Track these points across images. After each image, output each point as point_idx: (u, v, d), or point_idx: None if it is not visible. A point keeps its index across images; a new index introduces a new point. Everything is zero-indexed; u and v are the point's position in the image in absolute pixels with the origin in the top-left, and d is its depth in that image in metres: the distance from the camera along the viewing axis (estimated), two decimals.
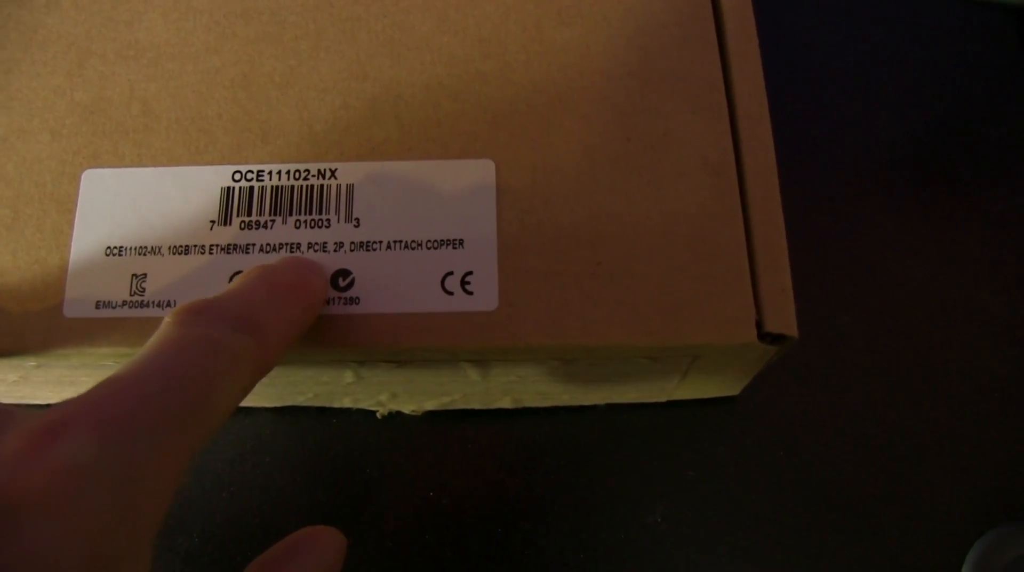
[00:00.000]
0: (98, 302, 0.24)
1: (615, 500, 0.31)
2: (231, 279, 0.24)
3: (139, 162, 0.26)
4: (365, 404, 0.31)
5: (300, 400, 0.31)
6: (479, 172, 0.25)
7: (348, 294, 0.24)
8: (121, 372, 0.18)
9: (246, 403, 0.27)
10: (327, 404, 0.32)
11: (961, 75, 0.38)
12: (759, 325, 0.24)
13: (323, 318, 0.24)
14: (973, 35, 0.39)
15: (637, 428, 0.32)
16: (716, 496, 0.31)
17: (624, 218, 0.25)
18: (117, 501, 0.17)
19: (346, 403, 0.31)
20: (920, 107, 0.38)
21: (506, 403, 0.31)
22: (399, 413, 0.32)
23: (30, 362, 0.25)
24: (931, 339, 0.34)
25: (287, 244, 0.25)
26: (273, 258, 0.25)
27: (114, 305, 0.24)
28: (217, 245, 0.25)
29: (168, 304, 0.24)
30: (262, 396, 0.31)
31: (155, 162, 0.26)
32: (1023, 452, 0.32)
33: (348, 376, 0.27)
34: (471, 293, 0.24)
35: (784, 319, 0.24)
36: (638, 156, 0.26)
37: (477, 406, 0.32)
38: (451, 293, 0.24)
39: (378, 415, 0.32)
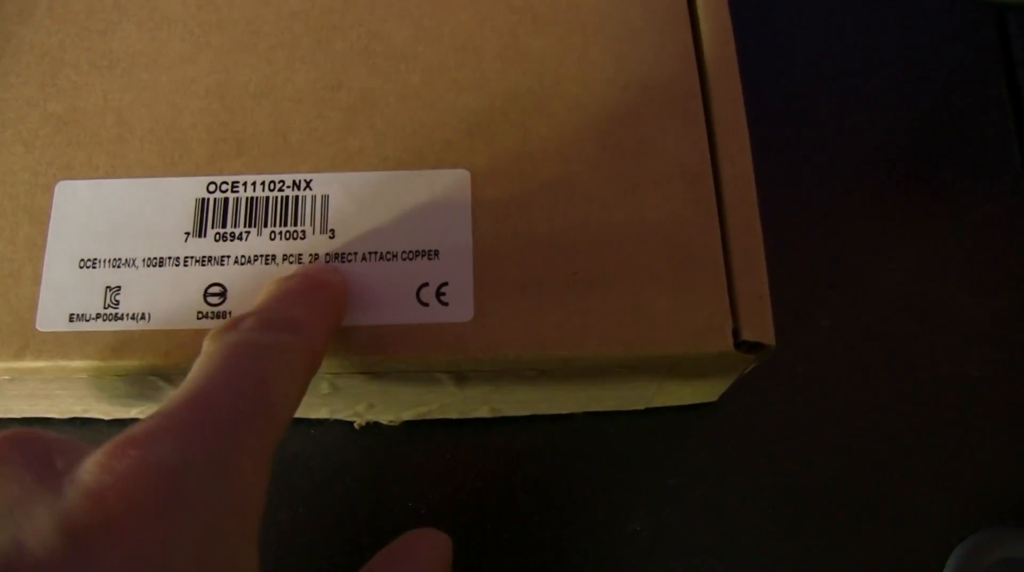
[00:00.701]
0: (72, 315, 0.24)
1: (595, 509, 0.31)
2: (206, 292, 0.24)
3: (113, 173, 0.26)
4: (343, 414, 0.31)
5: None
6: (454, 182, 0.25)
7: None
8: (179, 391, 0.19)
9: None
10: (304, 415, 0.31)
11: (942, 77, 0.38)
12: (736, 333, 0.24)
13: None
14: (954, 36, 0.39)
15: (617, 436, 0.32)
16: (697, 504, 0.31)
17: (600, 227, 0.25)
18: (212, 501, 0.17)
19: (323, 414, 0.31)
20: (900, 109, 0.38)
21: (484, 412, 0.31)
22: (377, 423, 0.32)
23: (3, 376, 0.25)
24: (912, 343, 0.34)
25: (262, 256, 0.25)
26: (248, 270, 0.24)
27: (88, 318, 0.24)
28: (192, 257, 0.25)
29: (143, 317, 0.24)
30: None
31: (129, 173, 0.26)
32: (1004, 456, 0.32)
33: (324, 387, 0.27)
34: (446, 304, 0.24)
35: (761, 327, 0.24)
36: (614, 164, 0.26)
37: (455, 416, 0.31)
38: (426, 304, 0.24)
39: (356, 425, 0.32)
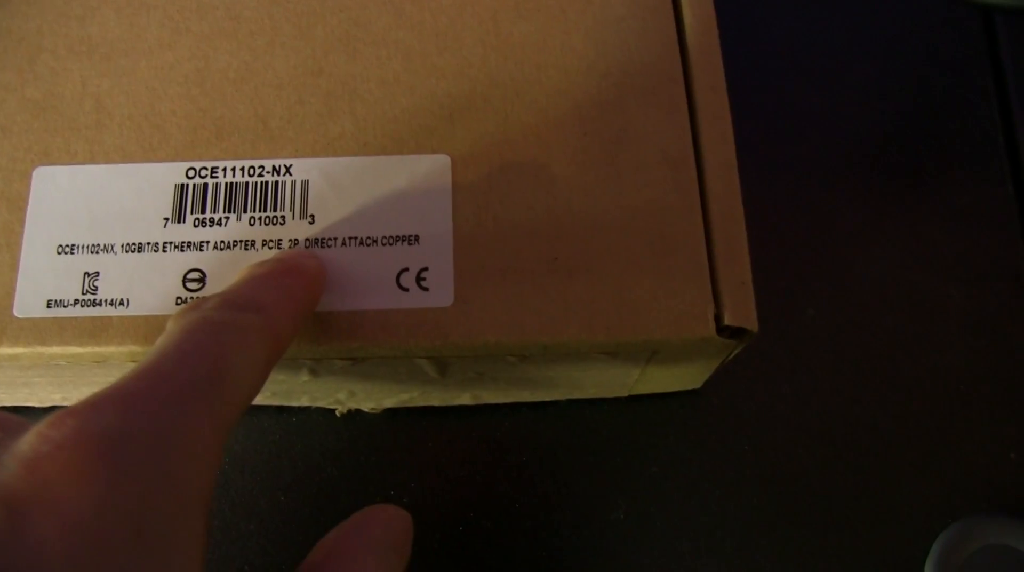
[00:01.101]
0: (49, 301, 0.24)
1: (578, 497, 0.31)
2: (184, 277, 0.24)
3: (91, 159, 0.25)
4: (323, 402, 0.31)
5: (257, 399, 0.31)
6: (435, 167, 0.25)
7: None
8: (133, 368, 0.19)
9: None
10: (285, 402, 0.31)
11: (926, 69, 0.38)
12: (718, 319, 0.24)
13: None
14: (938, 28, 0.39)
15: (599, 424, 0.32)
16: (679, 492, 0.31)
17: (581, 213, 0.25)
18: (153, 467, 0.17)
19: (304, 401, 0.31)
20: (885, 100, 0.38)
21: (466, 400, 0.31)
22: (359, 411, 0.32)
23: None
24: (895, 332, 0.34)
25: (242, 241, 0.24)
26: (227, 255, 0.24)
27: (66, 304, 0.24)
28: (171, 242, 0.24)
29: (121, 302, 0.24)
30: None
31: (108, 159, 0.25)
32: (986, 445, 0.32)
33: (304, 375, 0.27)
34: (427, 289, 0.24)
35: (744, 313, 0.24)
36: (595, 151, 0.25)
37: (437, 403, 0.31)
38: (406, 289, 0.24)
39: (337, 413, 0.32)
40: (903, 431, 0.32)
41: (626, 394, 0.32)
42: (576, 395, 0.32)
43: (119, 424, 0.17)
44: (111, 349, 0.24)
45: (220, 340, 0.19)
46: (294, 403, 0.31)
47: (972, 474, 0.32)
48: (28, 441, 0.16)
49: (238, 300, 0.21)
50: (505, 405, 0.32)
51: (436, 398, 0.31)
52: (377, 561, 0.21)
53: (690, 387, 0.32)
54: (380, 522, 0.22)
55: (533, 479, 0.31)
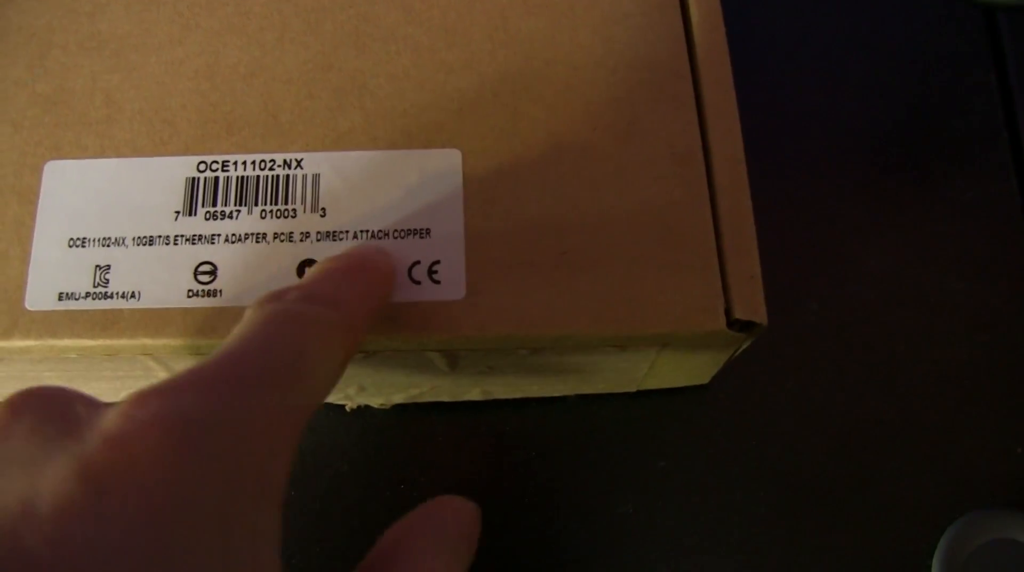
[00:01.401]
0: (61, 294, 0.24)
1: (586, 491, 0.31)
2: (196, 270, 0.24)
3: (102, 153, 0.25)
4: (334, 397, 0.31)
5: None
6: (445, 162, 0.25)
7: None
8: (214, 351, 0.19)
9: None
10: None
11: (929, 65, 0.39)
12: (728, 312, 0.24)
13: None
14: (940, 25, 0.39)
15: (607, 419, 0.32)
16: (687, 486, 0.31)
17: (590, 207, 0.25)
18: (235, 453, 0.17)
19: None
20: (889, 97, 0.38)
21: (475, 395, 0.31)
22: (368, 407, 0.32)
23: None
24: (900, 327, 0.34)
25: (253, 234, 0.24)
26: (239, 248, 0.24)
27: (77, 297, 0.24)
28: (182, 236, 0.25)
29: (132, 295, 0.24)
30: None
31: (118, 153, 0.25)
32: (992, 439, 0.32)
33: None
34: (438, 282, 0.24)
35: (753, 306, 0.24)
36: (604, 146, 0.26)
37: (446, 398, 0.31)
38: (418, 282, 0.24)
39: (347, 408, 0.32)
40: (909, 426, 0.33)
41: (635, 389, 0.32)
42: (585, 390, 0.32)
43: (203, 408, 0.17)
44: (122, 342, 0.24)
45: (301, 334, 0.19)
46: None
47: (978, 468, 0.32)
48: (111, 419, 0.16)
49: (318, 294, 0.21)
50: (513, 401, 0.32)
51: (446, 393, 0.31)
52: (450, 553, 0.21)
53: (698, 382, 0.32)
54: (449, 513, 0.22)
55: (541, 474, 0.31)
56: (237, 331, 0.20)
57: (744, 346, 0.26)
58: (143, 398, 0.17)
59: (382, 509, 0.31)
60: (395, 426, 0.32)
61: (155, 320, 0.24)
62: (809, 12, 0.39)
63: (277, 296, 0.21)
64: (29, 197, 0.25)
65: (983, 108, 0.38)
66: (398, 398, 0.31)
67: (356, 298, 0.21)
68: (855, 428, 0.32)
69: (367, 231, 0.24)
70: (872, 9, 0.40)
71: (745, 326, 0.24)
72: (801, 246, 0.35)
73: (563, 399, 0.32)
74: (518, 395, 0.32)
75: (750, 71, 0.35)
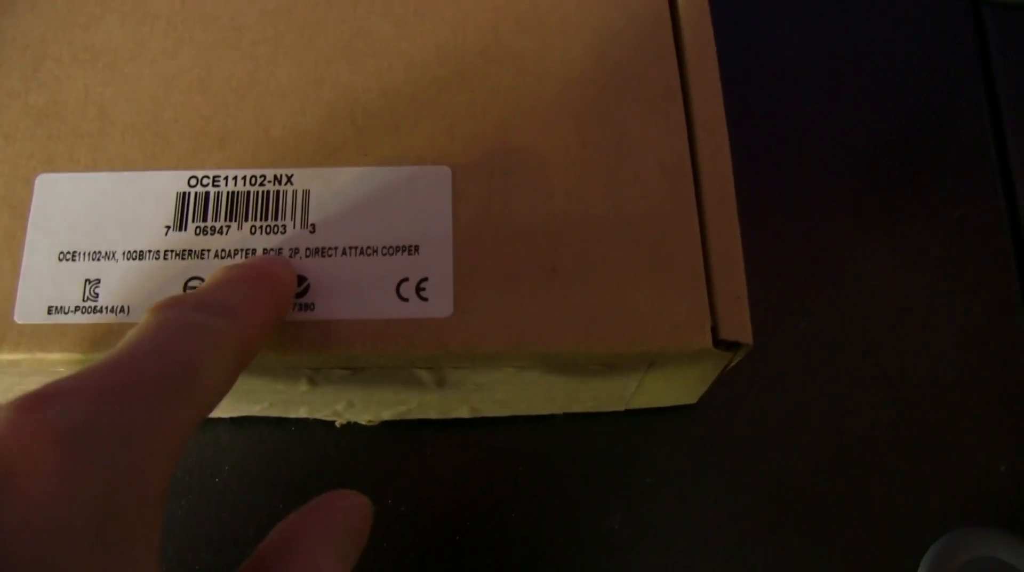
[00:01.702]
0: (50, 307, 0.24)
1: (574, 507, 0.31)
2: (186, 284, 0.24)
3: (94, 167, 0.26)
4: (321, 413, 0.31)
5: (256, 409, 0.31)
6: (436, 178, 0.25)
7: (303, 300, 0.24)
8: (105, 356, 0.19)
9: None
10: (283, 413, 0.31)
11: (920, 79, 0.39)
12: (714, 331, 0.24)
13: (277, 329, 0.24)
14: (932, 39, 0.39)
15: (595, 436, 0.32)
16: (674, 501, 0.31)
17: (580, 223, 0.25)
18: (117, 462, 0.17)
19: (302, 413, 0.31)
20: (878, 111, 0.38)
21: (464, 412, 0.31)
22: (356, 423, 0.32)
23: None
24: (889, 343, 0.34)
25: (243, 250, 0.25)
26: (229, 264, 0.24)
27: (66, 310, 0.24)
28: (172, 250, 0.25)
29: (122, 309, 0.24)
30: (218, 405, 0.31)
31: (110, 167, 0.26)
32: (978, 456, 0.32)
33: (303, 385, 0.27)
34: (426, 299, 0.24)
35: (739, 326, 0.24)
36: (594, 161, 0.26)
37: (434, 415, 0.31)
38: (406, 299, 0.24)
39: (336, 424, 0.32)
40: (895, 442, 0.33)
41: (623, 408, 0.32)
42: (574, 408, 0.32)
43: (86, 415, 0.17)
44: None
45: (193, 342, 0.20)
46: (292, 414, 0.31)
47: (963, 486, 0.32)
48: None
49: (213, 303, 0.21)
50: (502, 418, 0.32)
51: (434, 410, 0.31)
52: (335, 546, 0.21)
53: (687, 401, 0.32)
54: (339, 508, 0.22)
55: (529, 489, 0.31)
56: (130, 335, 0.20)
57: (731, 364, 0.26)
58: (29, 404, 0.17)
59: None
60: (385, 441, 0.32)
61: None
62: (799, 25, 0.40)
63: (173, 303, 0.21)
64: (20, 210, 0.25)
65: (973, 124, 0.38)
66: (387, 415, 0.31)
67: (252, 309, 0.22)
68: (842, 444, 0.32)
69: (356, 247, 0.25)
70: (863, 24, 0.40)
71: (731, 346, 0.24)
72: (791, 261, 0.35)
73: (551, 417, 0.32)
74: (507, 413, 0.32)
75: (741, 84, 0.35)
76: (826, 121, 0.38)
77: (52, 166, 0.26)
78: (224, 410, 0.31)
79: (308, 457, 0.32)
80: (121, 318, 0.24)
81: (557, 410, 0.32)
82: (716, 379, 0.29)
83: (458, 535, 0.31)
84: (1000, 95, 0.38)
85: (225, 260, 0.24)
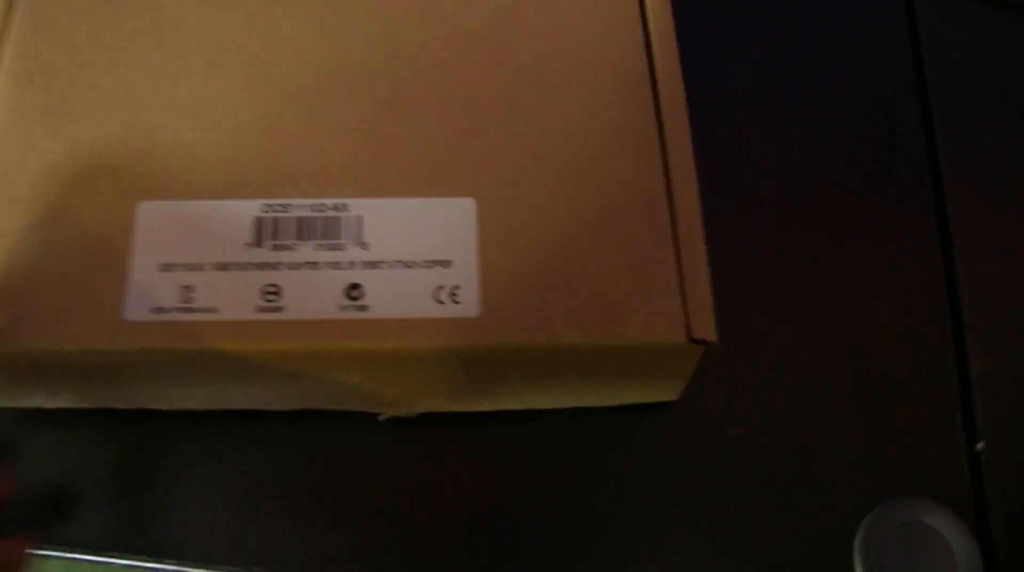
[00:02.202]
0: (154, 308, 0.30)
1: (563, 494, 0.37)
2: (263, 290, 0.30)
3: (185, 196, 0.32)
4: (370, 406, 0.37)
5: (314, 403, 0.37)
6: (464, 207, 0.32)
7: (359, 303, 0.30)
8: None
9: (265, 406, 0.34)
10: (338, 406, 0.36)
11: (863, 114, 0.45)
12: (687, 330, 0.30)
13: (337, 322, 0.30)
14: (874, 77, 0.46)
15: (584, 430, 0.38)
16: (653, 487, 0.37)
17: (579, 244, 0.31)
18: None
19: (353, 405, 0.36)
20: (829, 150, 0.45)
21: (486, 406, 0.37)
22: (397, 417, 0.37)
23: (96, 358, 0.30)
24: (836, 343, 0.40)
25: (309, 262, 0.31)
26: (298, 273, 0.30)
27: (167, 310, 0.30)
28: (251, 263, 0.31)
29: (212, 310, 0.30)
30: (279, 400, 0.36)
31: (199, 196, 0.32)
32: (908, 439, 0.38)
33: (355, 375, 0.32)
34: (458, 302, 0.30)
35: (706, 327, 0.30)
36: (590, 195, 0.32)
37: (461, 408, 0.37)
38: (442, 302, 0.30)
39: (380, 418, 0.37)
40: (839, 428, 0.39)
41: (616, 403, 0.38)
42: (575, 403, 0.37)
43: None
44: (203, 348, 0.30)
45: None
46: (347, 407, 0.37)
47: (895, 463, 0.38)
48: None
49: None
50: (508, 417, 0.37)
51: (462, 403, 0.36)
52: None
53: (668, 398, 0.37)
54: None
55: (524, 482, 0.37)
56: None
57: (699, 359, 0.32)
58: None
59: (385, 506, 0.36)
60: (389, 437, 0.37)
61: (230, 330, 0.30)
62: (761, 73, 0.46)
63: None
64: (127, 230, 0.31)
65: (911, 153, 0.45)
66: (423, 407, 0.37)
67: None
68: (796, 431, 0.38)
69: (400, 261, 0.31)
70: (813, 69, 0.47)
71: (700, 342, 0.30)
72: (753, 275, 0.41)
73: (539, 416, 0.38)
74: (520, 406, 0.37)
75: (710, 123, 0.41)
76: (784, 157, 0.44)
77: (151, 195, 0.32)
78: (288, 403, 0.36)
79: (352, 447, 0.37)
80: (211, 317, 0.30)
81: (565, 404, 0.37)
82: (690, 375, 0.35)
83: (448, 519, 0.36)
84: (936, 130, 0.45)
85: (295, 271, 0.30)
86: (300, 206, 0.32)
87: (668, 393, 0.37)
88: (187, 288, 0.30)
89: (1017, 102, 0.46)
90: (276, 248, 0.31)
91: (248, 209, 0.32)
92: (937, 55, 0.47)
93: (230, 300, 0.30)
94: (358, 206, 0.32)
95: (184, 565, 0.35)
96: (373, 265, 0.31)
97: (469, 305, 0.30)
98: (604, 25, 0.35)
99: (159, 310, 0.30)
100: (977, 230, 0.43)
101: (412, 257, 0.31)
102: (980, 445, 0.38)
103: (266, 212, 0.31)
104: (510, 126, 0.33)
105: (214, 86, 0.34)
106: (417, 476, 0.37)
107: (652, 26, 0.35)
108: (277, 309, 0.30)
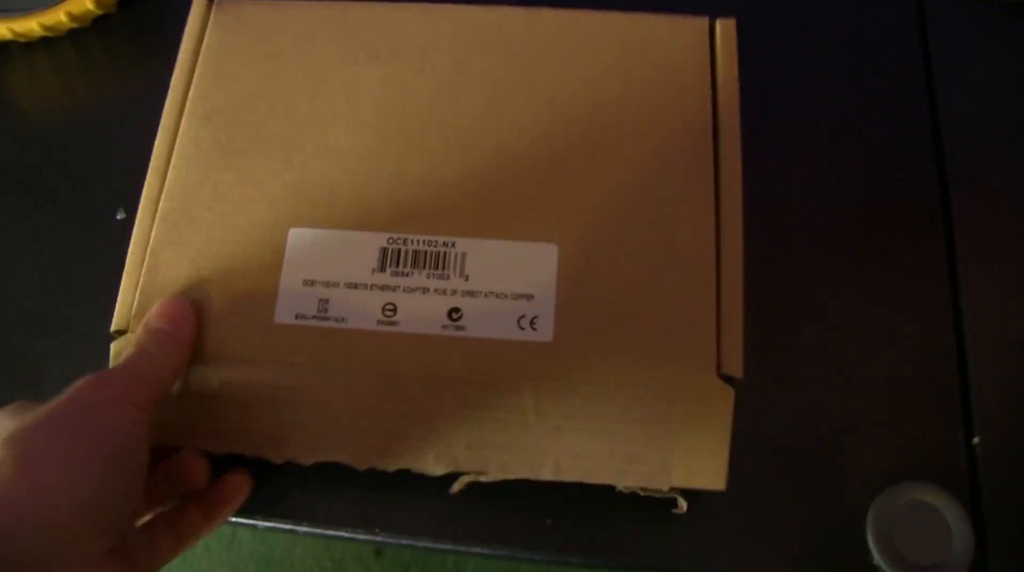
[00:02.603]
0: (296, 315, 0.38)
1: None
2: (383, 307, 0.38)
3: (326, 225, 0.39)
4: (446, 461, 0.39)
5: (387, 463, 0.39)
6: (547, 252, 0.39)
7: (458, 324, 0.38)
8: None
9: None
10: (412, 466, 0.39)
11: (879, 159, 0.51)
12: (718, 368, 0.37)
13: (439, 337, 0.37)
14: (895, 127, 0.52)
15: None
16: None
17: (641, 290, 0.38)
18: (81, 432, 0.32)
19: (430, 461, 0.39)
20: (852, 186, 0.50)
21: (547, 470, 0.39)
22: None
23: (251, 356, 0.38)
24: (852, 351, 0.46)
25: (420, 287, 0.38)
26: (412, 295, 0.38)
27: (307, 317, 0.38)
28: (375, 284, 0.38)
29: (342, 320, 0.38)
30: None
31: (337, 226, 0.39)
32: (916, 433, 0.45)
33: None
34: (536, 329, 0.37)
35: (735, 366, 0.37)
36: (654, 252, 0.39)
37: (527, 474, 0.39)
38: (523, 329, 0.38)
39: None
40: (859, 423, 0.45)
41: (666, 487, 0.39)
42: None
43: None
44: (335, 349, 0.38)
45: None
46: (418, 467, 0.39)
47: (904, 453, 0.44)
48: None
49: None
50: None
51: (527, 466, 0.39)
52: None
53: (715, 486, 0.39)
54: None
55: None
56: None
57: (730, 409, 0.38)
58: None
59: None
60: None
61: (357, 339, 0.38)
62: (788, 116, 0.52)
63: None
64: (279, 251, 0.39)
65: (925, 195, 0.50)
66: (493, 469, 0.39)
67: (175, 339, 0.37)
68: (822, 425, 0.45)
69: (493, 293, 0.38)
70: (842, 120, 0.52)
71: (729, 379, 0.37)
72: (785, 297, 0.47)
73: None
74: (577, 478, 0.39)
75: (755, 172, 0.46)
76: (813, 196, 0.50)
77: (299, 223, 0.40)
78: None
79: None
80: (340, 325, 0.38)
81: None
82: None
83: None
84: (947, 170, 0.50)
85: (409, 293, 0.38)
86: (417, 240, 0.39)
87: (713, 480, 0.39)
88: (324, 301, 0.38)
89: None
90: (395, 274, 0.39)
91: (375, 240, 0.39)
92: (949, 97, 0.53)
93: (357, 312, 0.38)
94: (463, 244, 0.39)
95: (315, 527, 0.43)
96: (472, 294, 0.38)
97: (545, 332, 0.38)
98: (679, 100, 0.42)
99: (301, 317, 0.38)
100: (978, 255, 0.49)
101: (503, 289, 0.38)
102: (976, 439, 0.45)
103: (390, 243, 0.39)
104: (591, 185, 0.40)
105: (355, 135, 0.41)
106: None
107: (721, 101, 0.42)
108: (393, 323, 0.38)
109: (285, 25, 0.44)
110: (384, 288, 0.38)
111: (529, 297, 0.38)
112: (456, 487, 0.40)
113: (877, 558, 0.41)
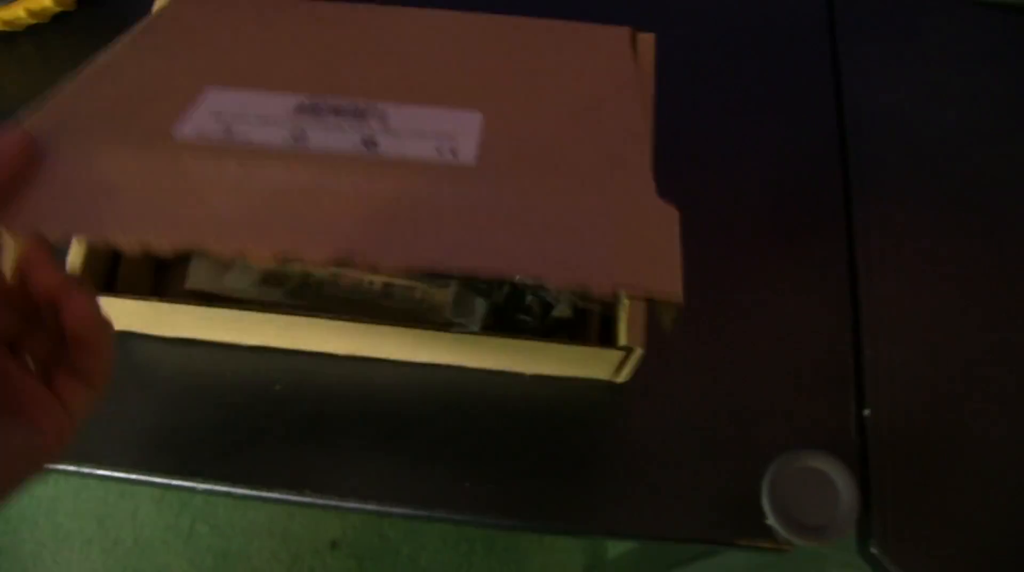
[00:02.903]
0: (199, 135, 0.36)
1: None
2: (292, 133, 0.36)
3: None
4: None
5: None
6: (472, 117, 0.38)
7: (373, 150, 0.36)
8: None
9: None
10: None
11: (794, 164, 0.55)
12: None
13: (352, 156, 0.35)
14: (804, 133, 0.56)
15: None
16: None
17: (571, 149, 0.38)
18: None
19: None
20: (764, 186, 0.54)
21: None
22: None
23: None
24: (757, 336, 0.49)
25: (337, 126, 0.37)
26: (324, 131, 0.36)
27: (211, 139, 0.36)
28: (288, 121, 0.37)
29: (248, 143, 0.36)
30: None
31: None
32: (812, 405, 0.47)
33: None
34: (456, 156, 0.35)
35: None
36: (582, 123, 0.39)
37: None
38: (443, 154, 0.35)
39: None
40: (760, 395, 0.47)
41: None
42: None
43: None
44: (235, 152, 0.35)
45: None
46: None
47: (800, 422, 0.46)
48: None
49: None
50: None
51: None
52: None
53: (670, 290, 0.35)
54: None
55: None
56: None
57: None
58: None
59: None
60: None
61: (260, 152, 0.35)
62: (710, 129, 0.57)
63: None
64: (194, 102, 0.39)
65: (830, 195, 0.54)
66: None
67: None
68: (725, 398, 0.46)
69: (414, 131, 0.37)
70: (753, 125, 0.57)
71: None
72: (694, 286, 0.46)
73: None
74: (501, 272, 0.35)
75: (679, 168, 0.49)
76: (728, 194, 0.54)
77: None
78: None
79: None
80: (245, 146, 0.35)
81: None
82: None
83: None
84: (850, 169, 0.55)
85: (324, 131, 0.36)
86: (337, 100, 0.38)
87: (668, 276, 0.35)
88: (229, 128, 0.36)
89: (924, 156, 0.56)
90: (312, 117, 0.37)
91: (297, 98, 0.38)
92: (856, 117, 0.57)
93: (264, 137, 0.36)
94: (386, 106, 0.38)
95: (252, 489, 0.44)
96: (390, 131, 0.37)
97: (467, 158, 0.36)
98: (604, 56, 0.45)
99: (204, 138, 0.35)
100: (875, 247, 0.52)
101: (423, 130, 0.37)
102: (867, 412, 0.47)
103: (311, 99, 0.38)
104: (516, 72, 0.42)
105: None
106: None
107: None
108: (304, 143, 0.35)
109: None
110: (298, 123, 0.37)
111: (452, 136, 0.37)
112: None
113: (771, 519, 0.43)
